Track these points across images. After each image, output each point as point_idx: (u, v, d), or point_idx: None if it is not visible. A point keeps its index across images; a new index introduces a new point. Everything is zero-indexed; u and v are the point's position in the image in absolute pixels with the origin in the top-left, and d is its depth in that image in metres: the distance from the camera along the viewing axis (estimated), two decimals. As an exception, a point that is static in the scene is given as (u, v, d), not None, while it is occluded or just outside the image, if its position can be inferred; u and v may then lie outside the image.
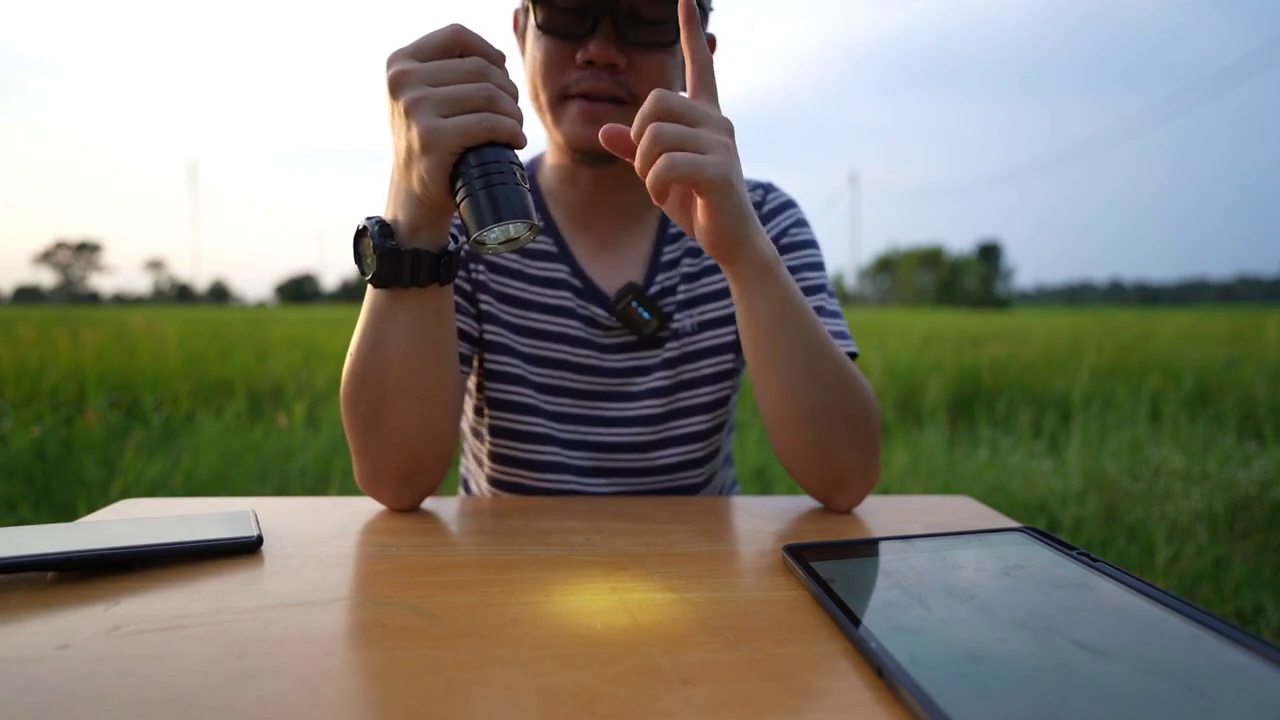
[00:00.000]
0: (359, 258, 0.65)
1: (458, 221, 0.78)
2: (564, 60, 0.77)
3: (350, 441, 0.71)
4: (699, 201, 0.60)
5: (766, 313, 0.66)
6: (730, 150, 0.59)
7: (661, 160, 0.57)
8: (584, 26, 0.75)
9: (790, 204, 0.91)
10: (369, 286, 0.66)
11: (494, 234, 0.56)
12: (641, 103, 0.78)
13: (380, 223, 0.63)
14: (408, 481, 0.70)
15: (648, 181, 0.58)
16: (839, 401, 0.69)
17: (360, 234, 0.64)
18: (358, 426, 0.69)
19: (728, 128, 0.61)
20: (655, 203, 0.60)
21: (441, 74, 0.57)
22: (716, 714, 0.35)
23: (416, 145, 0.57)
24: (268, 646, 0.42)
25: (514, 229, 0.57)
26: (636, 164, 0.59)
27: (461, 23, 0.59)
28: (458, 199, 0.57)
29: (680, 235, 0.90)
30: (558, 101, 0.79)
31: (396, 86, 0.57)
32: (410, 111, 0.56)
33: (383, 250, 0.62)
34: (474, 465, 0.95)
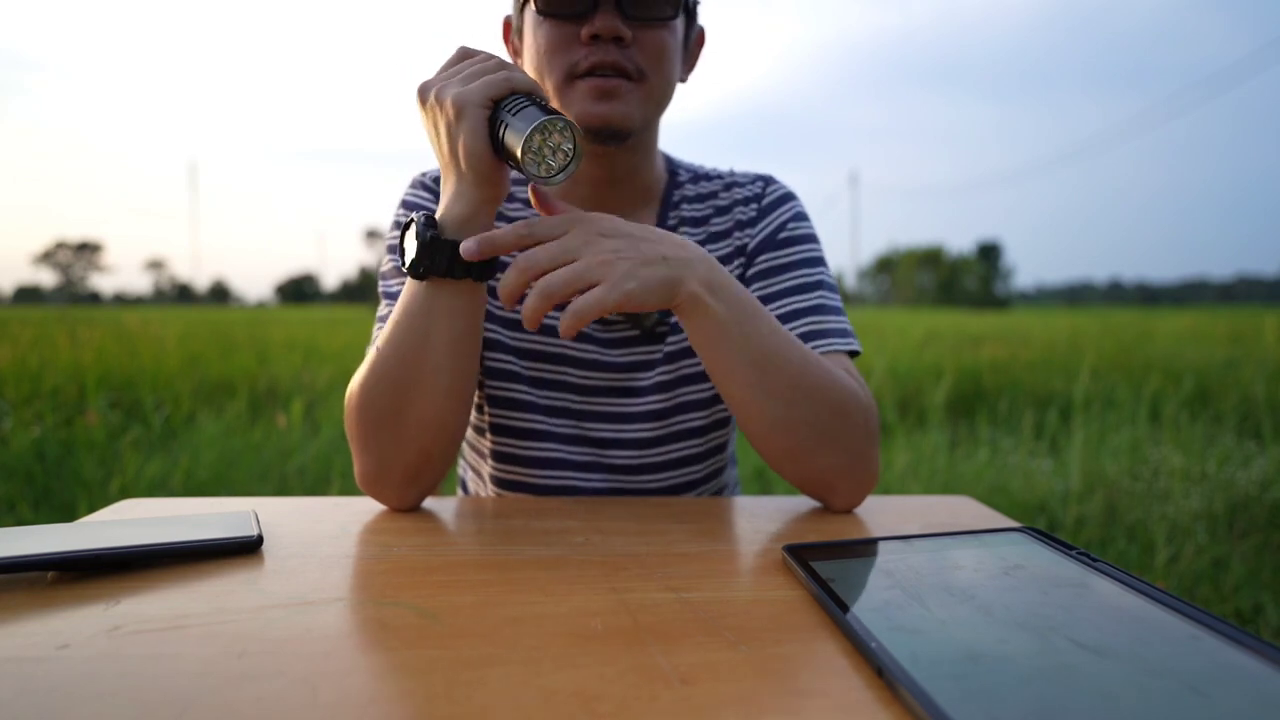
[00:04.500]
0: (402, 250, 0.68)
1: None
2: (568, 40, 0.77)
3: (357, 438, 0.71)
4: None
5: (702, 336, 0.67)
6: (606, 264, 0.61)
7: (569, 317, 0.60)
8: (585, 4, 0.76)
9: (789, 197, 0.91)
10: (408, 282, 0.68)
11: (534, 143, 0.60)
12: (647, 79, 0.78)
13: (427, 216, 0.66)
14: (415, 480, 0.71)
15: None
16: (800, 412, 0.69)
17: (407, 226, 0.68)
18: (372, 422, 0.69)
19: (593, 232, 0.63)
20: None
21: (457, 67, 0.66)
22: (716, 714, 0.35)
23: (451, 115, 0.62)
24: (268, 646, 0.42)
25: (552, 130, 0.60)
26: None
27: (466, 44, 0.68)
28: (500, 138, 0.61)
29: (676, 229, 0.90)
30: (565, 83, 0.78)
31: (423, 93, 0.65)
32: (439, 97, 0.63)
33: (424, 239, 0.65)
34: (476, 463, 0.95)
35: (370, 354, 0.70)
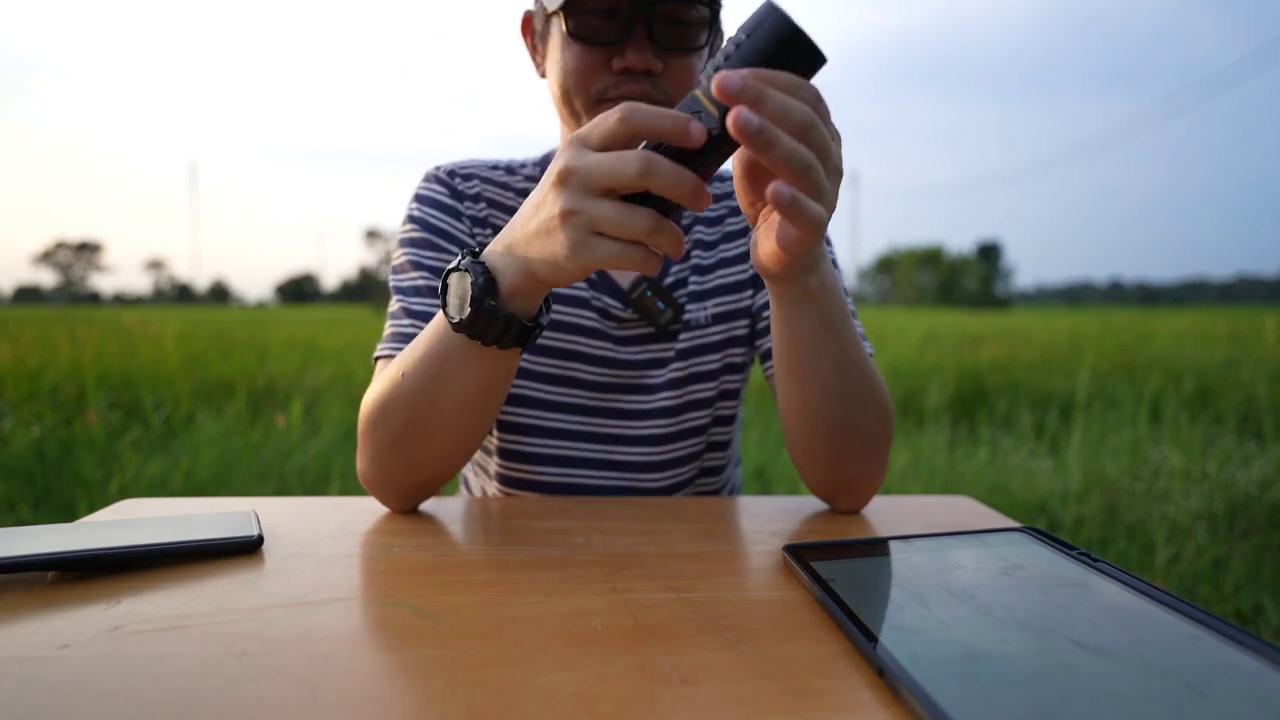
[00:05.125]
0: (446, 292, 0.61)
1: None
2: (598, 67, 0.76)
3: (367, 449, 0.70)
4: (778, 222, 0.55)
5: (802, 335, 0.65)
6: (835, 199, 0.54)
7: (785, 174, 0.50)
8: (617, 33, 0.75)
9: None
10: (446, 326, 0.63)
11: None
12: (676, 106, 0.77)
13: (486, 275, 0.59)
14: (419, 491, 0.71)
15: (775, 163, 0.50)
16: (861, 418, 0.69)
17: (455, 268, 0.60)
18: (384, 442, 0.68)
19: (841, 172, 0.55)
20: (742, 179, 0.57)
21: (608, 167, 0.52)
22: (716, 714, 0.35)
23: (560, 225, 0.53)
24: (268, 646, 0.42)
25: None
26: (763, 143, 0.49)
27: (631, 104, 0.52)
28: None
29: (691, 227, 0.90)
30: (592, 107, 0.78)
31: (562, 179, 0.53)
32: (567, 201, 0.53)
33: (480, 307, 0.58)
34: (481, 460, 0.95)
35: (392, 369, 0.68)
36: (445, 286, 0.61)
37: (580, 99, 0.78)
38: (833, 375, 0.66)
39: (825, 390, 0.67)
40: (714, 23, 0.79)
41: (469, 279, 0.59)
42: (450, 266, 0.61)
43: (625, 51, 0.75)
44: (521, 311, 0.60)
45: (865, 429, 0.70)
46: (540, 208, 0.55)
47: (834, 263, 0.86)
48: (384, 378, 0.69)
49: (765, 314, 0.87)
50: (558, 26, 0.78)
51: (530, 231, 0.56)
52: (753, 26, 0.51)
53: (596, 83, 0.77)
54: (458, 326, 0.60)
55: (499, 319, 0.59)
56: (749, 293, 0.90)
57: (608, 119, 0.52)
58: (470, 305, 0.59)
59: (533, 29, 0.85)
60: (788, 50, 0.51)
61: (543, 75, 0.84)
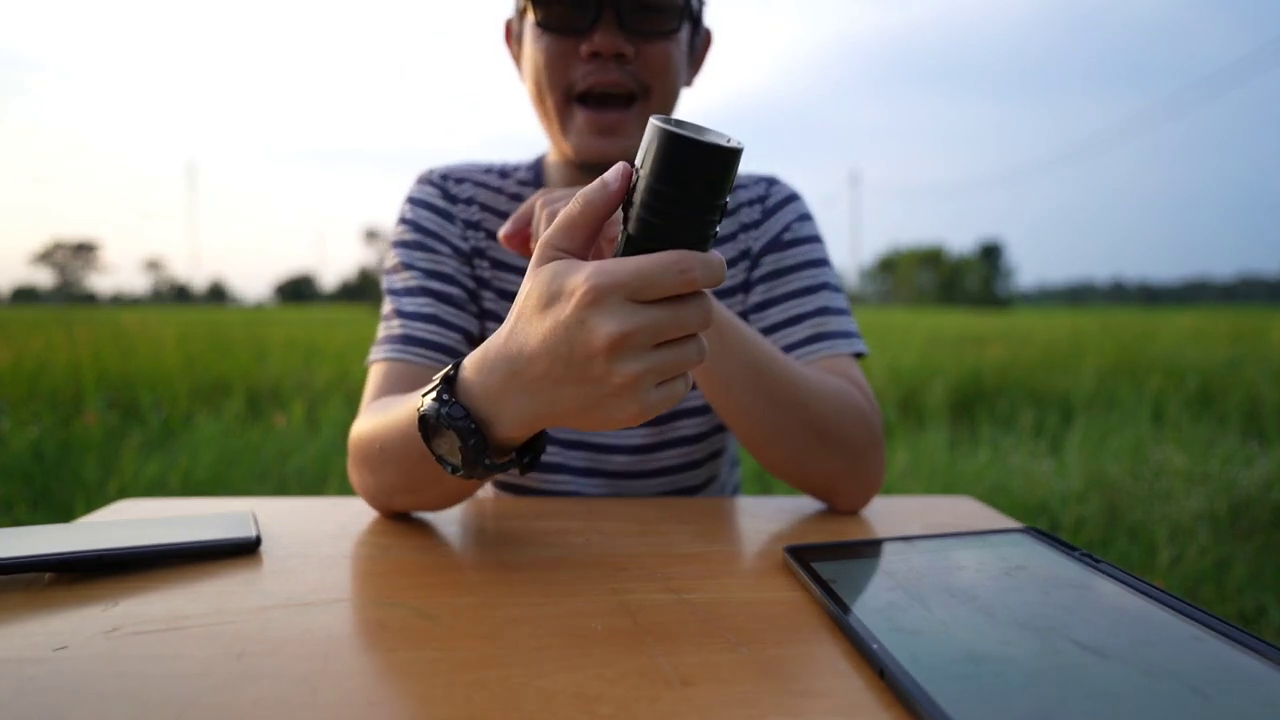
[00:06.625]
0: (428, 435, 0.52)
1: None
2: (568, 56, 0.76)
3: (352, 472, 0.69)
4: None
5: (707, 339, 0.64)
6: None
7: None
8: (586, 19, 0.74)
9: (793, 197, 0.90)
10: (415, 432, 0.56)
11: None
12: (652, 96, 0.77)
13: (477, 436, 0.50)
14: (407, 513, 0.70)
15: None
16: (799, 417, 0.68)
17: (444, 434, 0.51)
18: (367, 484, 0.67)
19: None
20: None
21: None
22: (716, 715, 0.35)
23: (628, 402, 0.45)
24: (267, 647, 0.42)
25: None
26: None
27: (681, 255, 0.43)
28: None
29: None
30: (564, 104, 0.77)
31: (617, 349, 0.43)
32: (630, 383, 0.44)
33: (476, 467, 0.51)
34: None
35: (374, 428, 0.63)
36: (426, 431, 0.52)
37: (551, 96, 0.77)
38: (751, 376, 0.66)
39: (748, 390, 0.67)
40: (689, 10, 0.78)
41: (455, 441, 0.50)
42: (425, 409, 0.51)
43: (593, 35, 0.74)
44: (516, 443, 0.52)
45: (812, 427, 0.69)
46: (575, 367, 0.44)
47: (819, 262, 0.85)
48: (367, 423, 0.65)
49: (753, 318, 0.86)
50: (530, 21, 0.77)
51: (566, 391, 0.46)
52: (644, 152, 0.44)
53: (567, 74, 0.76)
54: (454, 470, 0.53)
55: (496, 469, 0.52)
56: (740, 297, 0.89)
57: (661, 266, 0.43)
58: (464, 467, 0.52)
59: (513, 34, 0.85)
60: (684, 165, 0.42)
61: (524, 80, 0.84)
